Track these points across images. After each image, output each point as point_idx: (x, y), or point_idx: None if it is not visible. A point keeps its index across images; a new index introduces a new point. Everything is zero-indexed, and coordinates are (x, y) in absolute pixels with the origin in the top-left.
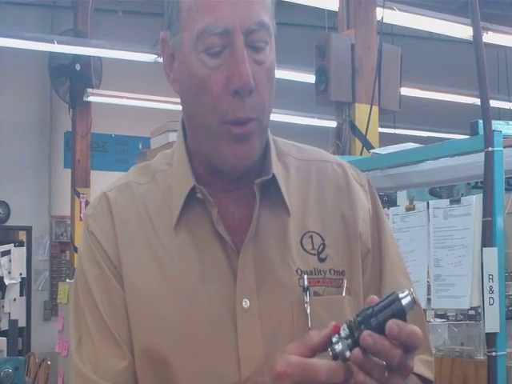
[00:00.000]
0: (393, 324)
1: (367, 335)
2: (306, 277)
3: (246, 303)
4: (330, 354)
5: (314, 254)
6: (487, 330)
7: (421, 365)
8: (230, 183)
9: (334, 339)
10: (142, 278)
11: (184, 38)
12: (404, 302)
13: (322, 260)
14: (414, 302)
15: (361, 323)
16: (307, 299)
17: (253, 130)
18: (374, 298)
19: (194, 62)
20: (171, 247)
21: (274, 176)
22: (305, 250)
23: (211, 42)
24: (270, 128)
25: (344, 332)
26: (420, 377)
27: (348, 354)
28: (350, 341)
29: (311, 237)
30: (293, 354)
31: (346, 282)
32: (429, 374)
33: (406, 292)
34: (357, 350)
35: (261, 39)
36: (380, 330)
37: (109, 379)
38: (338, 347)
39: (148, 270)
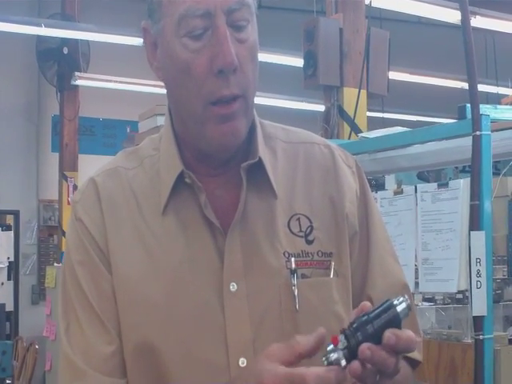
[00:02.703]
0: (390, 334)
1: (366, 348)
2: (293, 259)
3: (233, 287)
4: (325, 363)
5: (302, 237)
6: (474, 314)
7: None
8: (216, 168)
9: (329, 348)
10: (129, 263)
11: (166, 25)
12: (399, 308)
13: (309, 242)
14: (408, 308)
15: (356, 330)
16: (294, 282)
17: (238, 108)
18: (367, 305)
19: (176, 47)
20: (159, 232)
21: (260, 159)
22: (292, 232)
23: (193, 24)
24: (258, 112)
25: (342, 344)
26: (408, 358)
27: (344, 362)
28: (345, 349)
29: (298, 219)
30: (278, 358)
31: (333, 263)
32: (417, 356)
33: (401, 299)
34: (356, 364)
35: (242, 18)
36: (376, 337)
37: (97, 365)
38: (334, 356)
39: (135, 254)
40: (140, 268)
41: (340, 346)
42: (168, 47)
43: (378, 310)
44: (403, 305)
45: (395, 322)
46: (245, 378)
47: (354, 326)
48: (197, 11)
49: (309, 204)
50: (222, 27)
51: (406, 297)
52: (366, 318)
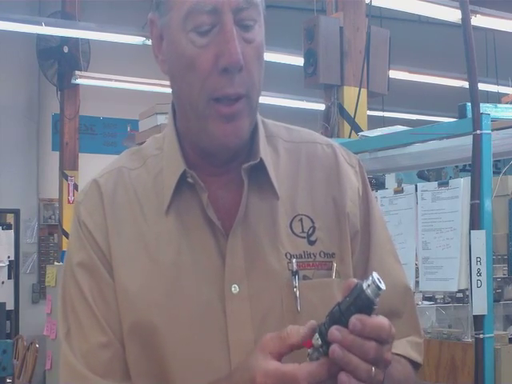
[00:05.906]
0: (355, 320)
1: (335, 330)
2: (294, 261)
3: (235, 289)
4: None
5: (304, 237)
6: (475, 313)
7: (409, 347)
8: (219, 166)
9: (310, 350)
10: (130, 264)
11: (172, 18)
12: (369, 291)
13: (311, 243)
14: (378, 288)
15: (331, 324)
16: (296, 283)
17: (241, 108)
18: (350, 284)
19: (182, 42)
20: (160, 232)
21: (261, 160)
22: (294, 233)
23: (200, 20)
24: (259, 111)
25: (316, 341)
26: (408, 359)
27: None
28: (324, 346)
29: (301, 220)
30: (270, 350)
31: (335, 264)
32: (417, 358)
33: (370, 280)
34: (334, 346)
35: (250, 17)
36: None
37: (97, 368)
38: (314, 355)
39: (137, 256)
40: (141, 269)
41: (315, 344)
42: (174, 41)
43: (348, 298)
44: (372, 286)
45: (368, 305)
46: (240, 373)
47: (328, 319)
48: (205, 7)
49: (311, 204)
50: (229, 25)
51: (376, 276)
52: (337, 308)
